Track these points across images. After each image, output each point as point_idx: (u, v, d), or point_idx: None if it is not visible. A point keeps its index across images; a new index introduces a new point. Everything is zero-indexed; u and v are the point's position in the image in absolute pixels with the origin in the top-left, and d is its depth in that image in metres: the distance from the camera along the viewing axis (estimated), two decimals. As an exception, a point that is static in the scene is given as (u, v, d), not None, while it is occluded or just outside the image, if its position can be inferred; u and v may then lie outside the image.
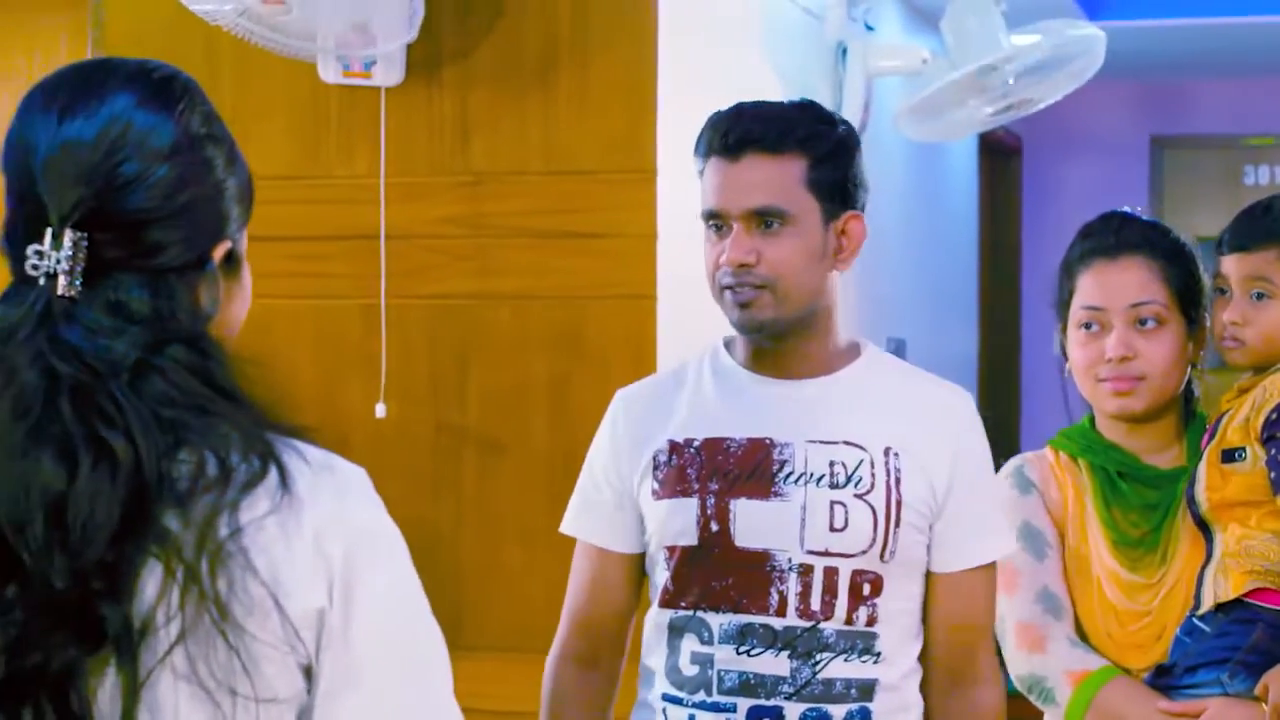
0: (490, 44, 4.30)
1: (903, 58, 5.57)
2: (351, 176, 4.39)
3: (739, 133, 2.69)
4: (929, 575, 2.74)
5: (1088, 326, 3.00)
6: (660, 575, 2.75)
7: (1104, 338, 2.97)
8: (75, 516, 1.51)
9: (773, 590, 2.65)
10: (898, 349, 6.37)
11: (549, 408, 4.27)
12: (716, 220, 2.71)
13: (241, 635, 1.57)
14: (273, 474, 1.60)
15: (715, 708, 2.66)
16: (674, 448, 2.75)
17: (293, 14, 4.01)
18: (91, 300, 1.60)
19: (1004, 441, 5.64)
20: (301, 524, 1.61)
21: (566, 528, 2.90)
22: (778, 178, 2.67)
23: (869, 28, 5.91)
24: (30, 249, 1.61)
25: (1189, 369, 3.04)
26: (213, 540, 1.55)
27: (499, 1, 4.30)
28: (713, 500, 2.68)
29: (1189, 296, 3.01)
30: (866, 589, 2.67)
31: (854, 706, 2.65)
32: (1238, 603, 2.82)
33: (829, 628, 2.65)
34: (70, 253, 1.59)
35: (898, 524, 2.67)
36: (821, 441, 2.69)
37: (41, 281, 1.60)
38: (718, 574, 2.68)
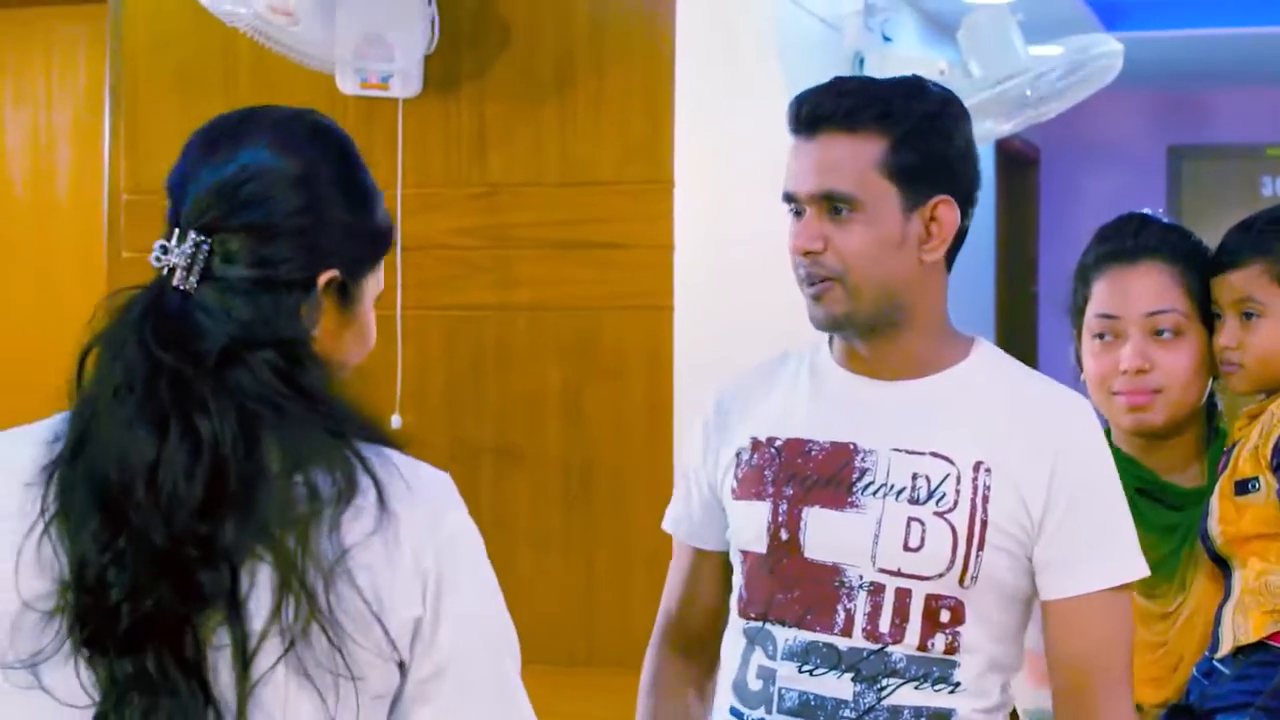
0: (507, 55, 4.31)
1: (920, 68, 5.55)
2: (369, 187, 4.40)
3: (811, 108, 2.44)
4: (1043, 604, 2.47)
5: (1101, 336, 2.81)
6: (737, 580, 2.56)
7: (1119, 348, 2.78)
8: (164, 484, 1.70)
9: (840, 608, 2.43)
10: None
11: (565, 418, 4.27)
12: (792, 203, 2.47)
13: (345, 642, 1.73)
14: (370, 491, 1.77)
15: None
16: (756, 445, 2.54)
17: (300, 26, 4.02)
18: (202, 297, 1.79)
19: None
20: (400, 541, 1.77)
21: (665, 524, 2.72)
22: (849, 159, 2.41)
23: (886, 38, 5.91)
24: (156, 243, 1.83)
25: (1210, 381, 2.83)
26: (324, 560, 1.72)
27: (515, 13, 4.31)
28: (786, 506, 2.47)
29: (1211, 304, 2.79)
30: (945, 615, 2.42)
31: None
32: (1259, 644, 2.62)
33: (898, 652, 2.41)
34: (190, 250, 1.80)
35: (980, 547, 2.40)
36: (907, 451, 2.44)
37: (164, 273, 1.81)
38: (784, 585, 2.47)
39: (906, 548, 2.41)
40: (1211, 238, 2.89)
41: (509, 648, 1.89)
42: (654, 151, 4.19)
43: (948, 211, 2.44)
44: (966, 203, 2.49)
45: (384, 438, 1.84)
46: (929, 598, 2.41)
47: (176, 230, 1.83)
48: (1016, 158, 8.81)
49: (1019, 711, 2.77)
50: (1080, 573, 2.42)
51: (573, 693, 4.22)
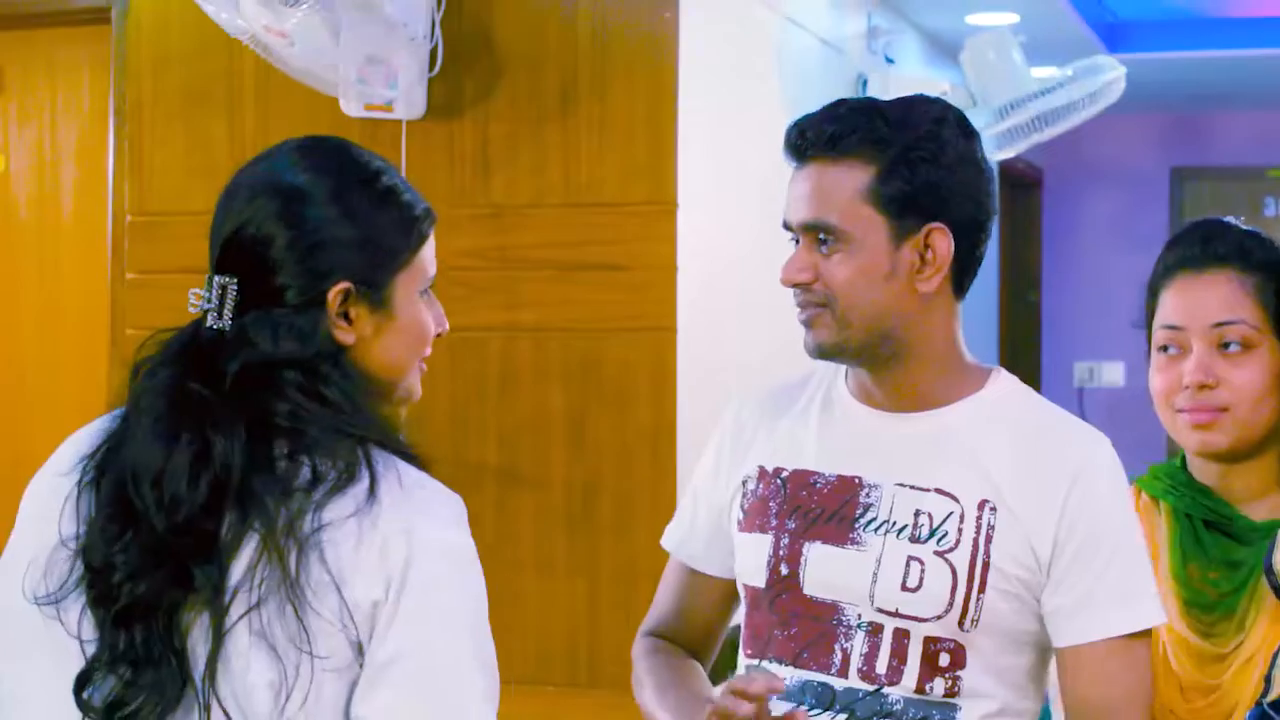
0: (510, 77, 4.32)
1: (923, 90, 5.56)
2: (372, 208, 4.40)
3: (797, 134, 2.38)
4: (1055, 651, 2.36)
5: (1166, 349, 2.55)
6: (741, 615, 2.49)
7: (1183, 362, 2.52)
8: (167, 487, 1.93)
9: (837, 647, 2.34)
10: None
11: (568, 440, 4.27)
12: (790, 232, 2.41)
13: (306, 611, 1.89)
14: (364, 482, 1.94)
15: None
16: (762, 475, 2.46)
17: (296, 47, 4.02)
18: (233, 332, 2.01)
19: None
20: (376, 527, 1.93)
21: (664, 541, 2.64)
22: (834, 189, 2.33)
23: (889, 60, 5.92)
24: (191, 292, 2.05)
25: None
26: (300, 532, 1.90)
27: (519, 35, 4.31)
28: (787, 540, 2.39)
29: None
30: (944, 659, 2.31)
31: None
32: None
33: (895, 694, 2.32)
34: (218, 293, 2.02)
35: (982, 589, 2.30)
36: (911, 486, 2.35)
37: (202, 316, 2.03)
38: (782, 622, 2.39)
39: (904, 588, 2.31)
40: None
41: (468, 685, 1.97)
42: (657, 173, 4.19)
43: (942, 240, 2.34)
44: (970, 228, 2.39)
45: (404, 450, 2.03)
46: (927, 640, 2.31)
47: (208, 277, 2.04)
48: (1020, 179, 8.82)
49: None
50: (1092, 619, 2.31)
51: (575, 714, 4.22)
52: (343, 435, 1.97)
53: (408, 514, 1.95)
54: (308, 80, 4.19)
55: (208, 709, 1.90)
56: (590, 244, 4.24)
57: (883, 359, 2.38)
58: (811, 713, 2.33)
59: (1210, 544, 2.52)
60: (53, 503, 2.00)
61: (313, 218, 2.03)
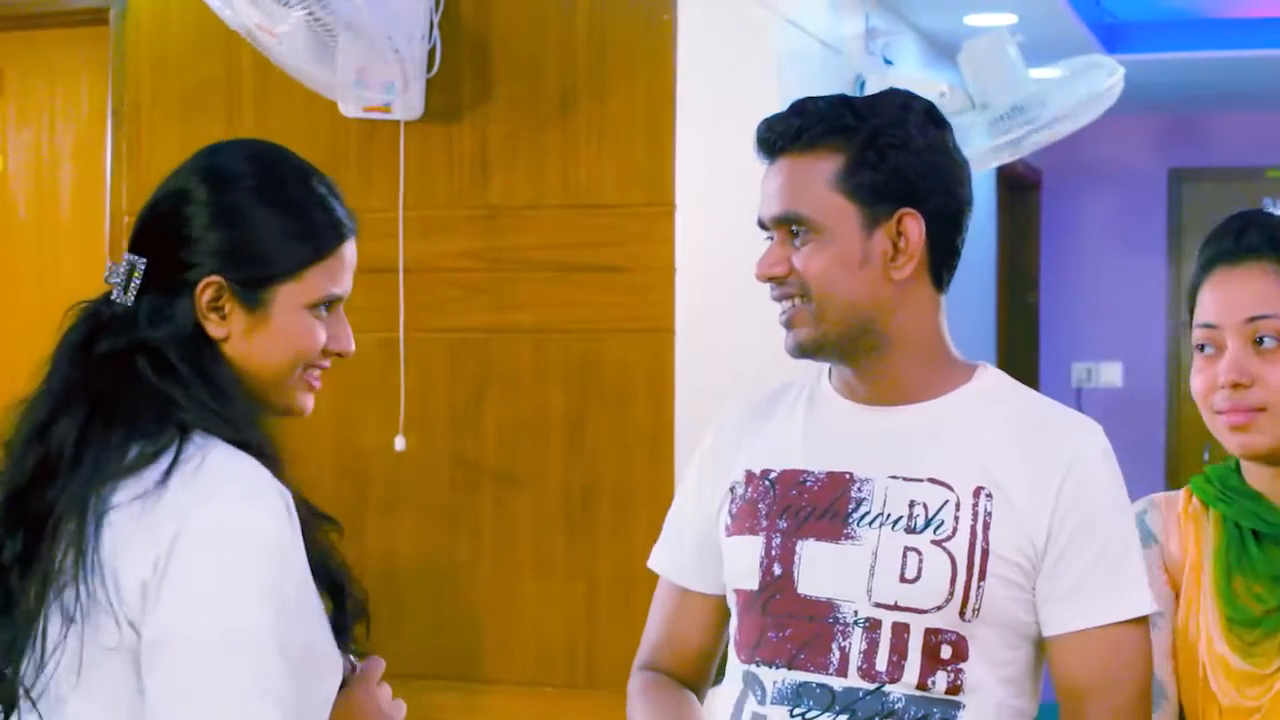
0: (509, 78, 4.32)
1: (920, 90, 5.57)
2: (370, 210, 4.40)
3: (766, 131, 2.41)
4: (1045, 641, 2.35)
5: (1203, 348, 2.44)
6: (732, 622, 2.45)
7: (1220, 360, 2.40)
8: (10, 456, 2.10)
9: (834, 646, 2.30)
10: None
11: (567, 441, 4.27)
12: (764, 229, 2.41)
13: (88, 587, 1.98)
14: (163, 466, 2.01)
15: None
16: (750, 479, 2.44)
17: (285, 47, 4.02)
18: (127, 311, 2.12)
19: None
20: (156, 510, 1.99)
21: (651, 562, 2.62)
22: (804, 180, 2.35)
23: (887, 61, 5.92)
24: (108, 263, 2.18)
25: None
26: (94, 511, 2.00)
27: (518, 36, 4.31)
28: (779, 540, 2.36)
29: None
30: (946, 651, 2.29)
31: None
32: None
33: (896, 691, 2.28)
34: (125, 270, 2.13)
35: (982, 577, 2.28)
36: (904, 478, 2.33)
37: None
38: (776, 624, 2.35)
39: (903, 579, 2.29)
40: None
41: (249, 655, 1.96)
42: (655, 174, 4.19)
43: (914, 225, 2.34)
44: (943, 217, 2.38)
45: (243, 439, 2.07)
46: (928, 632, 2.28)
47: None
48: (1018, 181, 8.82)
49: None
50: (1082, 607, 2.30)
51: (574, 715, 4.22)
52: (169, 421, 2.04)
53: (189, 496, 1.99)
54: (303, 79, 4.18)
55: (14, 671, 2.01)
56: (589, 245, 4.24)
57: (863, 351, 2.38)
58: (810, 716, 2.30)
59: (1258, 557, 2.40)
60: None
61: (190, 215, 2.12)
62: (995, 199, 8.34)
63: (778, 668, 2.34)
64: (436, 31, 4.26)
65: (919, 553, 2.29)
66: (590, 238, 4.23)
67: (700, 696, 2.58)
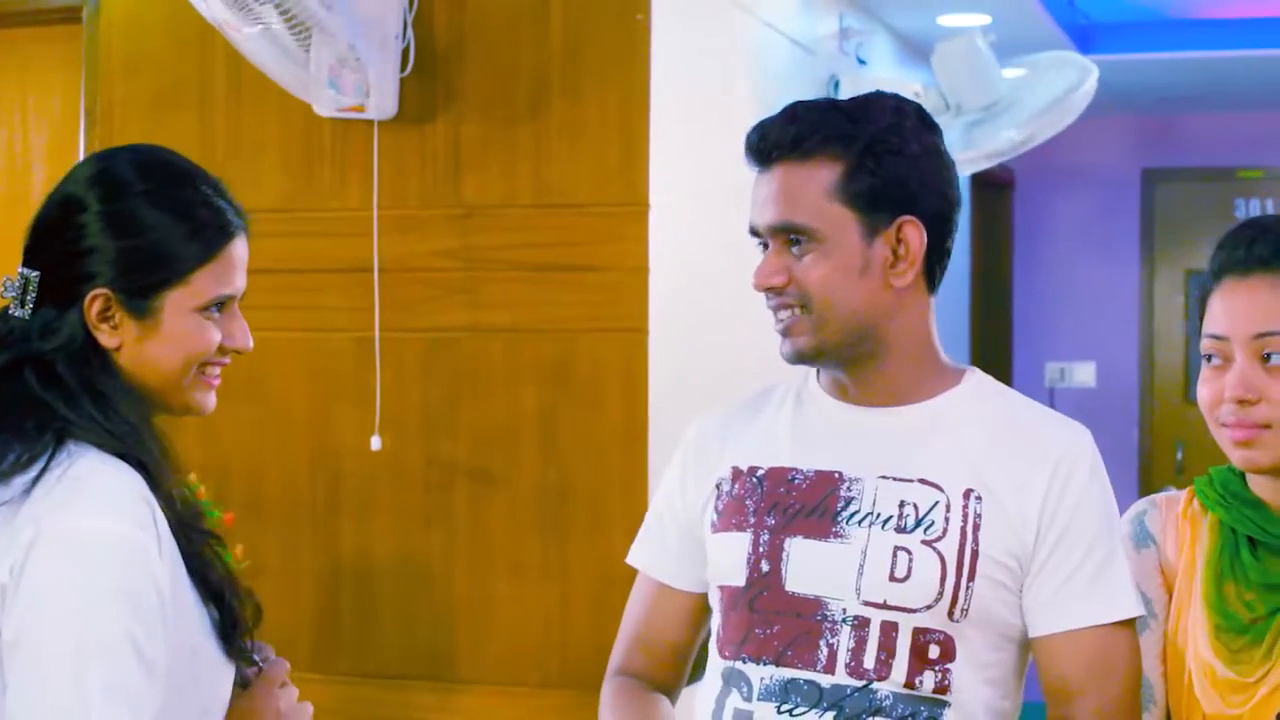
0: (482, 78, 4.32)
1: (894, 90, 5.59)
2: (345, 209, 4.40)
3: (759, 138, 2.37)
4: (1031, 643, 2.36)
5: (1210, 359, 2.41)
6: (715, 620, 2.44)
7: (1227, 373, 2.37)
8: None
9: (822, 643, 2.31)
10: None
11: (540, 441, 4.27)
12: (757, 237, 2.39)
13: None
14: (32, 473, 2.03)
15: None
16: (737, 475, 2.43)
17: (252, 45, 4.02)
18: (23, 324, 2.15)
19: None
20: (17, 516, 2.02)
21: (630, 558, 2.60)
22: (803, 189, 2.32)
23: (861, 61, 5.93)
24: (4, 279, 2.21)
25: None
26: None
27: (491, 36, 4.31)
28: (767, 537, 2.36)
29: None
30: (934, 651, 2.30)
31: None
32: None
33: (884, 689, 2.29)
34: (20, 284, 2.17)
35: (971, 577, 2.29)
36: (894, 478, 2.34)
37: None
38: (763, 620, 2.35)
39: (893, 578, 2.29)
40: (1186, 259, 2.68)
41: (98, 658, 1.97)
42: (629, 174, 4.19)
43: (914, 233, 2.33)
44: (938, 221, 2.38)
45: (124, 450, 2.08)
46: (917, 631, 2.29)
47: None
48: (991, 181, 8.84)
49: None
50: (1068, 609, 2.31)
51: (547, 715, 4.22)
52: (46, 429, 2.07)
53: (48, 503, 2.02)
54: (281, 81, 4.18)
55: None
56: (561, 245, 4.24)
57: (861, 358, 2.38)
58: (797, 712, 2.31)
59: (1251, 565, 2.39)
60: None
61: (83, 225, 2.14)
62: (969, 199, 8.36)
63: (765, 664, 2.34)
64: (410, 31, 4.26)
65: (909, 552, 2.30)
66: (563, 237, 4.23)
67: (674, 695, 2.58)
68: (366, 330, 4.34)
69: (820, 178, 2.32)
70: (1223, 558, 2.41)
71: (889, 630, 2.29)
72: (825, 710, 2.29)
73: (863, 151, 2.32)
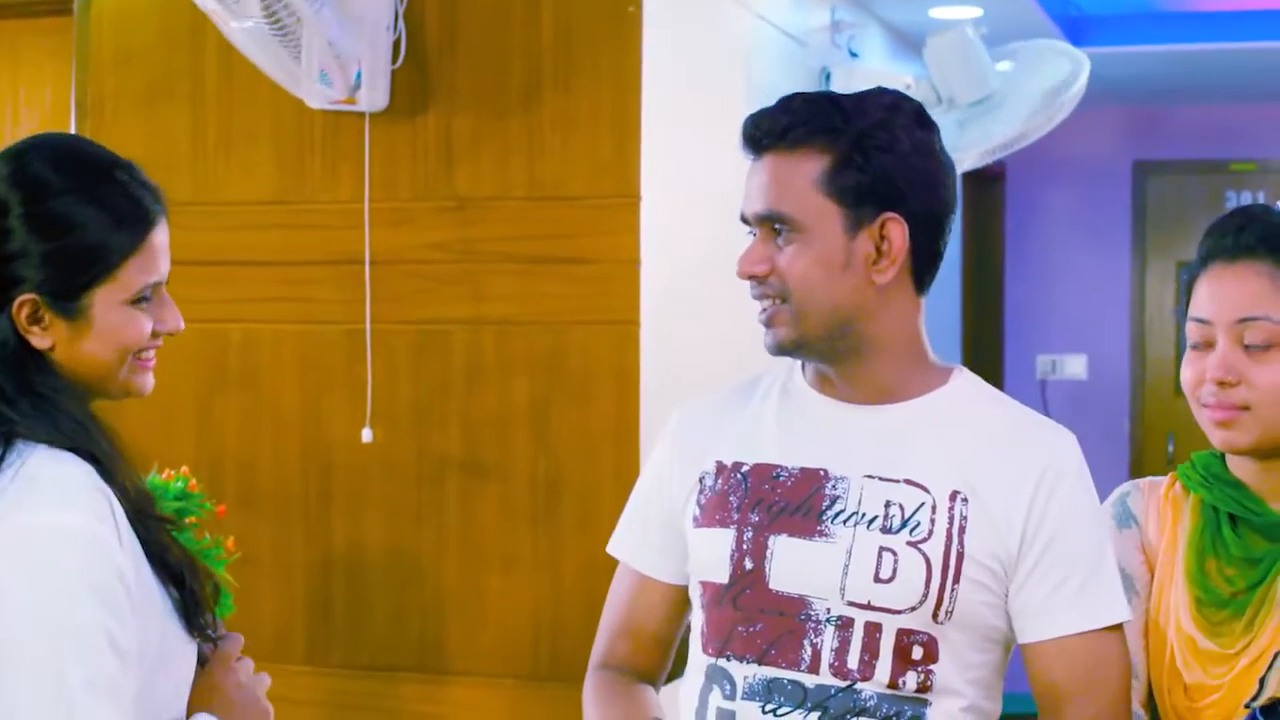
0: (474, 70, 4.31)
1: (886, 83, 5.58)
2: (336, 202, 4.40)
3: (753, 127, 2.36)
4: (1021, 649, 2.36)
5: (1195, 344, 2.47)
6: (696, 617, 2.43)
7: (1210, 356, 2.44)
8: None
9: (806, 643, 2.30)
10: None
11: (532, 433, 4.27)
12: (746, 225, 2.39)
13: None
14: None
15: None
16: (720, 470, 2.42)
17: (237, 38, 4.02)
18: None
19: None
20: None
21: (611, 548, 2.59)
22: (788, 179, 2.32)
23: (853, 54, 5.93)
24: None
25: None
26: None
27: (482, 28, 4.31)
28: (751, 534, 2.35)
29: None
30: (917, 652, 2.29)
31: None
32: None
33: (868, 689, 2.28)
34: None
35: (956, 580, 2.29)
36: (880, 478, 2.33)
37: None
38: (746, 618, 2.34)
39: (877, 579, 2.29)
40: (1177, 252, 2.72)
41: (75, 654, 1.97)
42: (620, 166, 4.19)
43: (897, 230, 2.32)
44: (928, 220, 2.36)
45: (70, 442, 2.07)
46: (900, 633, 2.29)
47: None
48: (982, 174, 8.82)
49: None
50: (1058, 616, 2.31)
51: (537, 707, 4.23)
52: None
53: (6, 502, 2.02)
54: (272, 73, 4.17)
55: None
56: (553, 237, 4.24)
57: (842, 353, 2.37)
58: (780, 712, 2.30)
59: (1231, 540, 2.45)
60: None
61: (8, 230, 2.12)
62: (960, 192, 8.36)
63: (748, 663, 2.33)
64: (401, 23, 4.26)
65: (894, 553, 2.30)
66: (555, 229, 4.23)
67: (657, 685, 2.57)
68: (358, 322, 4.34)
69: (807, 169, 2.32)
70: (1204, 535, 2.46)
71: (873, 631, 2.29)
72: (810, 710, 2.29)
73: (851, 145, 2.31)
